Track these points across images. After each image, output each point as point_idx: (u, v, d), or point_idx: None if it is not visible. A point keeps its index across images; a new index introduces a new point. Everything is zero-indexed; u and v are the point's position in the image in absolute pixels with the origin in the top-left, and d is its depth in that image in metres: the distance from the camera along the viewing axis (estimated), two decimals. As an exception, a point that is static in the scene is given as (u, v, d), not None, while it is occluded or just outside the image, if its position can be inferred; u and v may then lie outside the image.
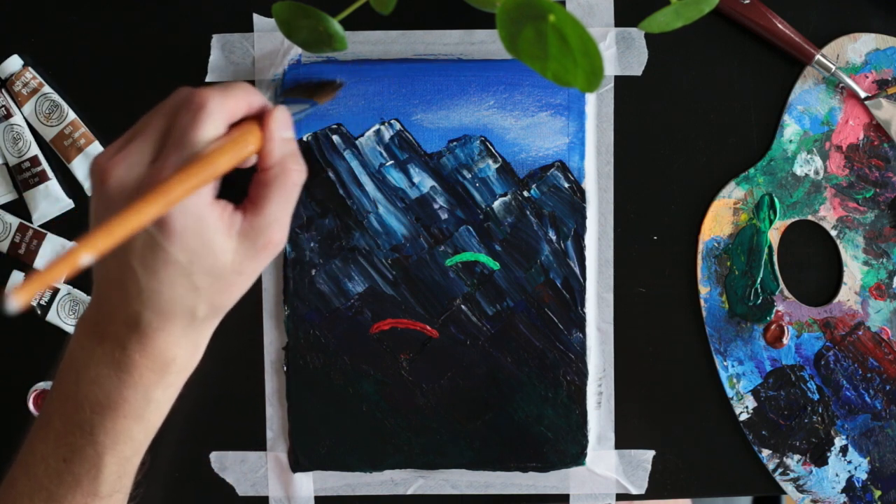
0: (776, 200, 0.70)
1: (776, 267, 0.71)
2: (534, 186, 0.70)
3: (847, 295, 0.71)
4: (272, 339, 0.72)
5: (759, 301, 0.71)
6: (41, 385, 0.71)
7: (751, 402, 0.71)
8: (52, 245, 0.71)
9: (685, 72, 0.70)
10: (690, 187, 0.71)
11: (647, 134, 0.71)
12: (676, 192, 0.71)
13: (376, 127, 0.70)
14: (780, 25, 0.68)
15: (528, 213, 0.70)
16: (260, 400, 0.72)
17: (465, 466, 0.72)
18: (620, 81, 0.71)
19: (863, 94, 0.69)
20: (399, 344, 0.71)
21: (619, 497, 0.72)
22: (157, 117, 0.51)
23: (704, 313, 0.71)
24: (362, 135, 0.70)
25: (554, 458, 0.71)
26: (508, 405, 0.71)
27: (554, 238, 0.70)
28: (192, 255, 0.49)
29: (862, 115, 0.70)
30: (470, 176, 0.70)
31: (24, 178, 0.71)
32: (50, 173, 0.71)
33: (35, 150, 0.71)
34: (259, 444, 0.72)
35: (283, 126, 0.53)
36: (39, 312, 0.72)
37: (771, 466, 0.72)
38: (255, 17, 0.70)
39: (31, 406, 0.71)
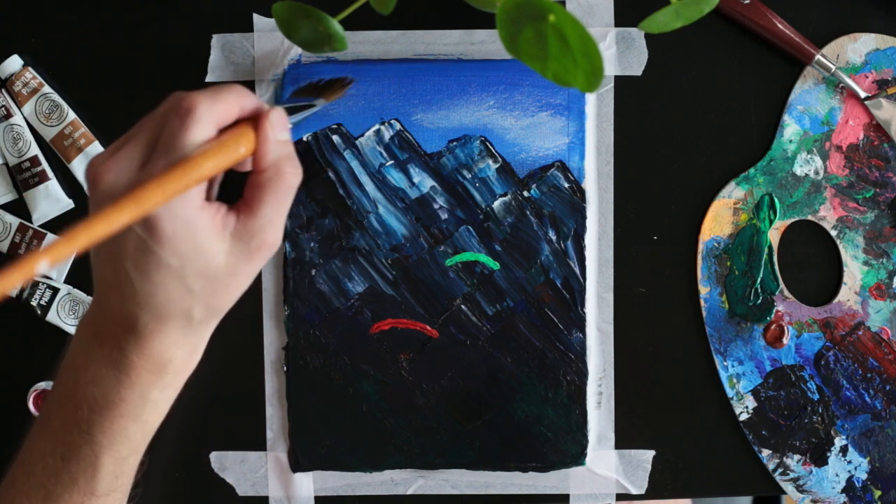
0: (776, 200, 0.70)
1: (776, 267, 0.71)
2: (534, 186, 0.70)
3: (847, 295, 0.71)
4: (272, 339, 0.72)
5: (759, 301, 0.71)
6: (41, 385, 0.71)
7: (751, 402, 0.71)
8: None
9: (685, 72, 0.70)
10: (690, 187, 0.71)
11: (647, 134, 0.71)
12: (676, 192, 0.71)
13: (376, 127, 0.70)
14: (780, 25, 0.68)
15: (528, 213, 0.70)
16: (260, 400, 0.72)
17: (465, 466, 0.72)
18: (620, 81, 0.71)
19: (863, 94, 0.69)
20: (399, 344, 0.71)
21: (619, 497, 0.72)
22: (148, 122, 0.51)
23: (704, 313, 0.71)
24: (362, 135, 0.70)
25: (554, 458, 0.71)
26: (508, 405, 0.71)
27: (554, 238, 0.70)
28: (183, 258, 0.49)
29: (862, 115, 0.70)
30: (470, 176, 0.70)
31: (24, 178, 0.71)
32: (50, 173, 0.71)
33: (35, 150, 0.71)
34: (259, 444, 0.72)
35: (278, 128, 0.52)
36: (39, 312, 0.72)
37: (771, 466, 0.72)
38: (255, 17, 0.70)
39: (31, 406, 0.71)
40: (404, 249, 0.70)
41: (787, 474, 0.72)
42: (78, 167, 0.71)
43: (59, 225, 0.72)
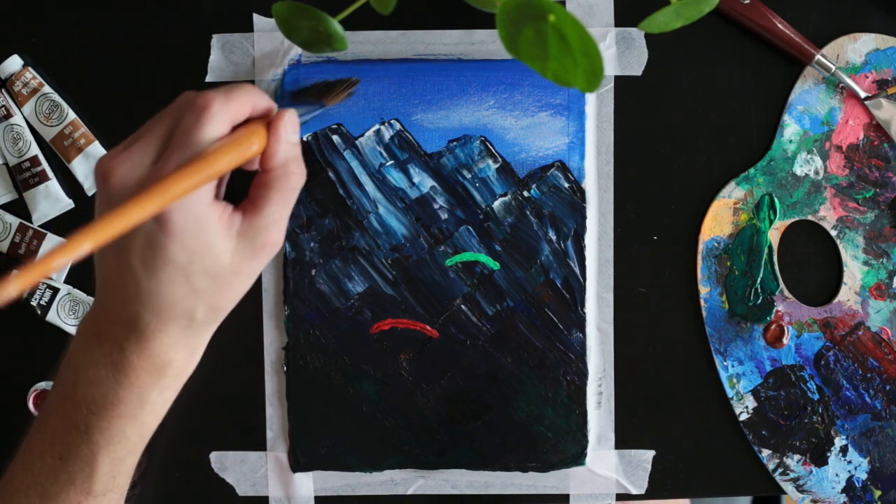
0: (776, 200, 0.70)
1: (776, 267, 0.71)
2: (534, 186, 0.70)
3: (847, 295, 0.71)
4: (272, 339, 0.72)
5: (759, 301, 0.71)
6: (41, 385, 0.71)
7: (751, 402, 0.71)
8: (52, 245, 0.71)
9: (685, 72, 0.70)
10: (690, 187, 0.71)
11: (647, 134, 0.71)
12: (676, 192, 0.71)
13: (376, 127, 0.70)
14: (780, 25, 0.68)
15: (528, 213, 0.70)
16: (260, 400, 0.72)
17: (465, 466, 0.72)
18: (620, 81, 0.71)
19: (863, 94, 0.69)
20: (399, 344, 0.71)
21: (619, 497, 0.72)
22: (161, 120, 0.52)
23: (704, 313, 0.71)
24: (362, 135, 0.70)
25: (554, 458, 0.71)
26: (508, 405, 0.71)
27: (554, 238, 0.70)
28: (191, 254, 0.50)
29: (862, 115, 0.70)
30: (470, 176, 0.70)
31: (24, 178, 0.71)
32: (50, 173, 0.71)
33: (35, 150, 0.71)
34: (259, 444, 0.72)
35: (291, 129, 0.53)
36: (39, 312, 0.72)
37: (771, 466, 0.72)
38: (255, 17, 0.70)
39: (31, 406, 0.71)
40: (404, 249, 0.70)
41: (787, 474, 0.72)
42: (78, 167, 0.71)
43: (60, 225, 0.72)
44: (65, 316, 0.72)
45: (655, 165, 0.71)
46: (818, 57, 0.68)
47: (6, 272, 0.72)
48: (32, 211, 0.71)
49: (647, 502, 0.73)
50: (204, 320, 0.53)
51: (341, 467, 0.72)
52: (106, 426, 0.53)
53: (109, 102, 0.71)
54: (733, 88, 0.70)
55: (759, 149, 0.71)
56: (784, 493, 0.72)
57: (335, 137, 0.70)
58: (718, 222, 0.71)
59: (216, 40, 0.71)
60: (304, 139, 0.70)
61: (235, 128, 0.52)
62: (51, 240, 0.71)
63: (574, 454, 0.71)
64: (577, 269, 0.70)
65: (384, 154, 0.70)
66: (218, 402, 0.72)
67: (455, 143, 0.70)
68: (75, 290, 0.72)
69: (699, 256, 0.71)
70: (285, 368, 0.71)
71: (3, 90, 0.71)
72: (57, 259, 0.44)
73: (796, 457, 0.71)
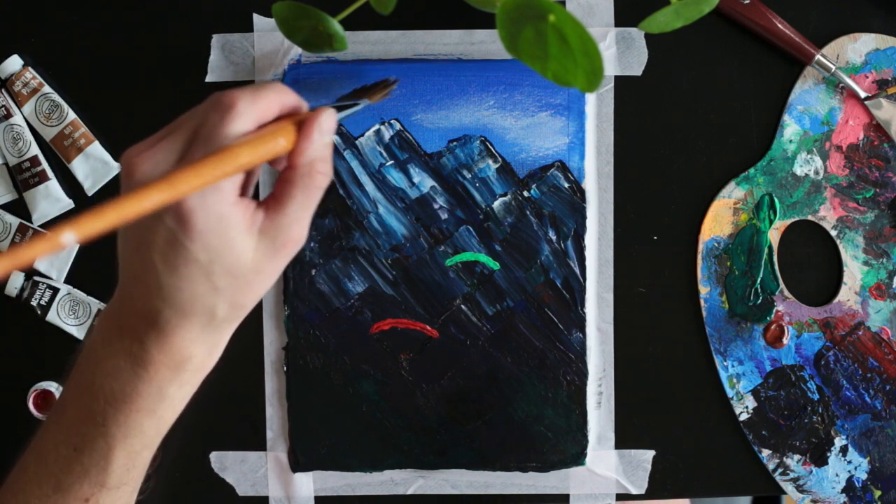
0: (776, 200, 0.70)
1: (776, 267, 0.71)
2: (534, 186, 0.70)
3: (847, 295, 0.71)
4: (272, 339, 0.72)
5: (759, 301, 0.71)
6: (41, 385, 0.71)
7: (751, 402, 0.71)
8: (52, 245, 0.71)
9: (685, 72, 0.70)
10: (690, 187, 0.71)
11: (647, 134, 0.71)
12: (676, 192, 0.71)
13: (376, 127, 0.70)
14: (780, 25, 0.68)
15: (528, 213, 0.70)
16: (260, 400, 0.72)
17: (465, 466, 0.72)
18: (620, 81, 0.71)
19: (863, 94, 0.69)
20: (399, 344, 0.71)
21: (619, 497, 0.72)
22: (188, 118, 0.52)
23: (704, 313, 0.71)
24: (362, 135, 0.70)
25: (554, 458, 0.71)
26: (508, 405, 0.71)
27: (554, 238, 0.70)
28: (212, 254, 0.50)
29: (862, 115, 0.70)
30: (470, 176, 0.70)
31: (24, 178, 0.71)
32: (50, 173, 0.71)
33: (35, 150, 0.71)
34: (259, 444, 0.72)
35: (326, 128, 0.53)
36: (39, 312, 0.72)
37: (771, 466, 0.72)
38: (255, 17, 0.70)
39: (31, 406, 0.71)
40: (404, 249, 0.70)
41: (787, 474, 0.72)
42: (78, 167, 0.71)
43: (60, 225, 0.72)
44: (65, 316, 0.72)
45: (655, 165, 0.71)
46: (818, 57, 0.68)
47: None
48: (32, 211, 0.71)
49: (647, 502, 0.73)
50: (225, 318, 0.53)
51: (341, 467, 0.72)
52: (123, 419, 0.53)
53: (109, 102, 0.71)
54: (733, 88, 0.70)
55: (759, 149, 0.71)
56: (784, 493, 0.72)
57: (335, 137, 0.70)
58: (718, 222, 0.71)
59: (216, 40, 0.71)
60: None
61: (263, 127, 0.52)
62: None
63: (574, 454, 0.71)
64: (577, 269, 0.70)
65: (384, 154, 0.70)
66: (218, 402, 0.72)
67: (455, 143, 0.70)
68: (75, 290, 0.72)
69: (699, 256, 0.71)
70: (285, 368, 0.71)
71: (3, 90, 0.71)
72: (66, 233, 0.43)
73: (796, 457, 0.71)
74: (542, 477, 0.72)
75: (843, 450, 0.71)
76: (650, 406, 0.72)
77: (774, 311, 0.71)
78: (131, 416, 0.53)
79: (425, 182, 0.70)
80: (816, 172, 0.70)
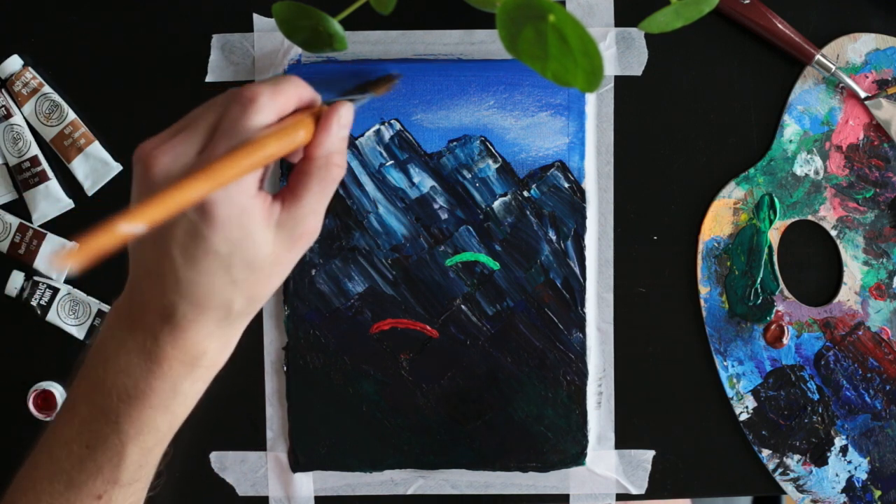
0: (776, 200, 0.70)
1: (776, 267, 0.71)
2: (534, 186, 0.70)
3: (847, 295, 0.71)
4: (272, 339, 0.72)
5: (759, 301, 0.71)
6: (41, 385, 0.71)
7: (751, 402, 0.71)
8: (52, 245, 0.71)
9: (685, 72, 0.70)
10: (690, 187, 0.71)
11: (647, 134, 0.71)
12: (676, 192, 0.71)
13: (376, 127, 0.70)
14: (780, 25, 0.68)
15: (528, 213, 0.70)
16: (260, 400, 0.72)
17: (465, 466, 0.72)
18: (620, 81, 0.71)
19: (863, 94, 0.69)
20: (399, 344, 0.71)
21: (619, 497, 0.72)
22: (206, 111, 0.52)
23: (704, 313, 0.71)
24: (362, 135, 0.70)
25: (554, 458, 0.71)
26: (508, 405, 0.71)
27: (554, 238, 0.70)
28: (233, 246, 0.50)
29: (862, 115, 0.70)
30: (470, 176, 0.70)
31: (24, 178, 0.71)
32: (50, 173, 0.71)
33: (35, 150, 0.71)
34: (259, 444, 0.72)
35: (344, 122, 0.53)
36: (39, 312, 0.72)
37: (771, 466, 0.72)
38: (255, 17, 0.70)
39: (31, 406, 0.71)
40: (404, 249, 0.70)
41: (787, 474, 0.72)
42: (78, 167, 0.71)
43: (60, 225, 0.72)
44: (65, 316, 0.72)
45: (655, 165, 0.71)
46: (818, 57, 0.68)
47: (6, 272, 0.72)
48: (32, 211, 0.71)
49: (647, 502, 0.73)
50: (241, 312, 0.53)
51: (341, 467, 0.72)
52: (137, 416, 0.53)
53: (109, 102, 0.71)
54: (733, 88, 0.70)
55: (759, 149, 0.71)
56: (784, 493, 0.72)
57: (335, 137, 0.70)
58: (718, 222, 0.71)
59: (216, 40, 0.71)
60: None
61: (282, 120, 0.52)
62: (51, 240, 0.71)
63: (574, 454, 0.71)
64: (577, 269, 0.70)
65: (384, 154, 0.70)
66: (218, 402, 0.72)
67: (455, 143, 0.70)
68: (75, 290, 0.72)
69: (699, 256, 0.71)
70: (285, 368, 0.71)
71: (3, 90, 0.71)
72: (123, 224, 0.44)
73: (796, 457, 0.71)
74: (542, 477, 0.72)
75: (843, 450, 0.71)
76: (650, 406, 0.72)
77: (774, 311, 0.71)
78: (145, 413, 0.53)
79: (425, 182, 0.70)
80: (816, 172, 0.70)
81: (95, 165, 0.71)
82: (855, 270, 0.71)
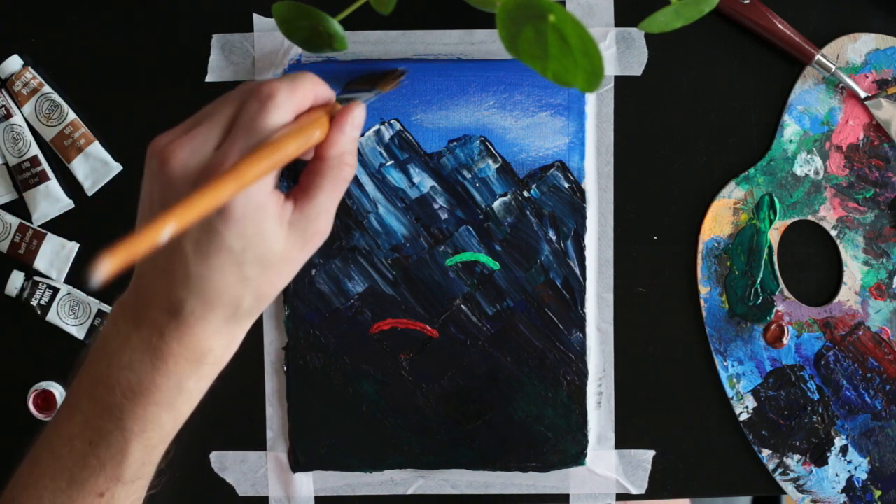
0: (776, 200, 0.70)
1: (776, 267, 0.71)
2: (534, 186, 0.70)
3: (847, 295, 0.71)
4: (272, 339, 0.72)
5: (759, 301, 0.71)
6: (41, 385, 0.71)
7: (751, 402, 0.71)
8: (52, 245, 0.71)
9: (685, 72, 0.70)
10: (690, 187, 0.71)
11: (647, 134, 0.71)
12: (676, 192, 0.71)
13: (376, 127, 0.70)
14: (780, 25, 0.68)
15: (528, 213, 0.70)
16: (260, 400, 0.72)
17: (465, 466, 0.72)
18: (620, 81, 0.71)
19: (863, 94, 0.69)
20: (399, 344, 0.71)
21: (619, 497, 0.72)
22: (223, 105, 0.51)
23: (704, 313, 0.71)
24: (362, 135, 0.70)
25: (554, 458, 0.71)
26: (508, 405, 0.71)
27: (554, 238, 0.70)
28: (246, 242, 0.50)
29: (862, 115, 0.70)
30: (470, 176, 0.70)
31: (24, 178, 0.71)
32: (50, 173, 0.71)
33: (35, 150, 0.71)
34: (259, 444, 0.72)
35: (357, 122, 0.53)
36: (39, 312, 0.72)
37: (771, 466, 0.72)
38: (255, 17, 0.70)
39: (31, 406, 0.71)
40: (404, 249, 0.70)
41: (787, 474, 0.72)
42: (78, 167, 0.71)
43: (60, 225, 0.72)
44: (65, 316, 0.72)
45: (655, 165, 0.71)
46: (818, 57, 0.68)
47: (6, 272, 0.72)
48: (32, 211, 0.71)
49: (647, 502, 0.73)
50: (249, 310, 0.52)
51: (341, 467, 0.72)
52: (141, 413, 0.53)
53: (109, 102, 0.71)
54: (733, 88, 0.70)
55: (759, 149, 0.71)
56: (784, 493, 0.72)
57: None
58: (718, 222, 0.71)
59: (216, 40, 0.71)
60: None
61: (297, 117, 0.52)
62: (51, 240, 0.71)
63: (574, 454, 0.71)
64: (577, 269, 0.70)
65: (384, 154, 0.70)
66: (218, 402, 0.72)
67: (455, 143, 0.70)
68: (75, 290, 0.72)
69: (699, 256, 0.71)
70: (285, 368, 0.71)
71: (3, 90, 0.71)
72: (166, 226, 0.44)
73: (796, 457, 0.71)
74: (542, 477, 0.72)
75: (843, 450, 0.71)
76: (650, 406, 0.72)
77: (774, 311, 0.71)
78: (149, 410, 0.53)
79: (425, 182, 0.70)
80: (816, 172, 0.70)
81: (95, 165, 0.71)
82: (855, 270, 0.71)
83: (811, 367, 0.71)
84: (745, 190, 0.71)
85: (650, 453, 0.72)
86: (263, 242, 0.50)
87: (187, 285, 0.50)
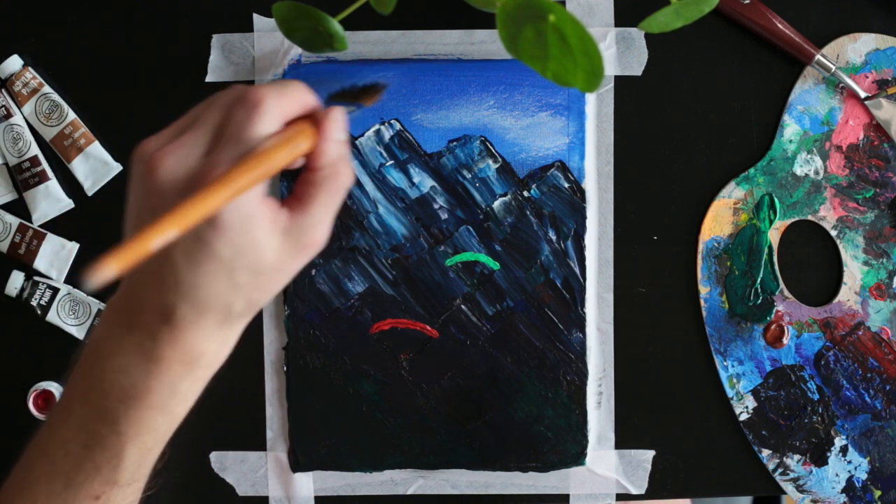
0: (776, 200, 0.70)
1: (776, 267, 0.71)
2: (534, 186, 0.70)
3: (847, 295, 0.71)
4: (272, 339, 0.72)
5: (759, 301, 0.71)
6: (41, 385, 0.71)
7: (751, 402, 0.71)
8: (52, 245, 0.71)
9: (685, 72, 0.70)
10: (690, 187, 0.71)
11: (647, 134, 0.71)
12: (676, 192, 0.71)
13: (376, 127, 0.70)
14: (780, 25, 0.68)
15: (528, 213, 0.70)
16: (260, 400, 0.72)
17: (465, 466, 0.72)
18: (620, 81, 0.71)
19: (863, 94, 0.69)
20: (399, 344, 0.71)
21: (619, 497, 0.72)
22: (210, 111, 0.51)
23: (704, 313, 0.71)
24: (362, 135, 0.70)
25: (554, 458, 0.71)
26: (508, 405, 0.71)
27: (554, 238, 0.70)
28: (237, 251, 0.49)
29: (862, 115, 0.70)
30: (470, 176, 0.70)
31: (24, 178, 0.71)
32: (50, 173, 0.71)
33: (35, 150, 0.71)
34: (259, 444, 0.72)
35: (339, 128, 0.53)
36: (39, 312, 0.72)
37: (771, 466, 0.72)
38: (255, 17, 0.70)
39: (31, 406, 0.71)
40: (404, 249, 0.70)
41: (787, 474, 0.72)
42: (78, 167, 0.71)
43: (60, 225, 0.72)
44: (65, 316, 0.72)
45: (655, 165, 0.71)
46: (818, 57, 0.68)
47: (6, 272, 0.72)
48: (32, 211, 0.71)
49: (647, 502, 0.73)
50: (240, 314, 0.52)
51: (341, 467, 0.72)
52: (135, 416, 0.53)
53: (109, 102, 0.71)
54: (733, 88, 0.70)
55: (759, 149, 0.71)
56: (784, 493, 0.72)
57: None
58: (718, 222, 0.71)
59: (216, 40, 0.71)
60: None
61: (286, 125, 0.52)
62: (51, 240, 0.71)
63: (574, 454, 0.71)
64: (577, 269, 0.70)
65: (384, 154, 0.70)
66: (218, 402, 0.72)
67: (455, 143, 0.70)
68: (75, 290, 0.72)
69: (699, 256, 0.71)
70: (285, 368, 0.71)
71: (3, 90, 0.71)
72: (155, 238, 0.44)
73: (796, 457, 0.71)
74: (542, 477, 0.72)
75: (843, 450, 0.71)
76: (650, 406, 0.72)
77: (774, 311, 0.71)
78: (143, 413, 0.53)
79: (425, 182, 0.70)
80: (816, 172, 0.70)
81: (95, 165, 0.71)
82: (855, 270, 0.71)
83: (811, 367, 0.71)
84: (745, 190, 0.71)
85: (650, 453, 0.72)
86: (254, 251, 0.50)
87: (178, 290, 0.50)
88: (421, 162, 0.70)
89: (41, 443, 0.55)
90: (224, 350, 0.54)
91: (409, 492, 0.72)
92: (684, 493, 0.73)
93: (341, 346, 0.71)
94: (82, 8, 0.71)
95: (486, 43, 0.70)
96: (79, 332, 0.72)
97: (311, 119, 0.53)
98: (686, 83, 0.71)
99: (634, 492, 0.72)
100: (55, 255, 0.71)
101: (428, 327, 0.71)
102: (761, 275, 0.71)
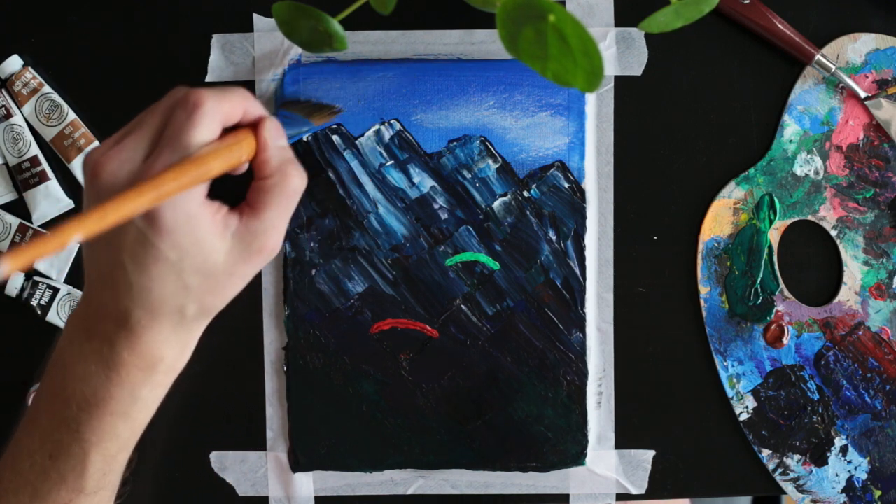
0: (776, 200, 0.70)
1: (776, 267, 0.71)
2: (534, 186, 0.70)
3: (847, 295, 0.71)
4: (272, 339, 0.72)
5: (759, 301, 0.71)
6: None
7: (751, 402, 0.71)
8: (52, 245, 0.71)
9: (685, 72, 0.70)
10: (690, 187, 0.71)
11: (647, 134, 0.71)
12: (676, 192, 0.71)
13: (376, 127, 0.70)
14: (780, 25, 0.69)
15: (528, 213, 0.70)
16: (260, 400, 0.72)
17: (465, 466, 0.72)
18: (620, 81, 0.71)
19: (863, 94, 0.69)
20: (399, 344, 0.71)
21: (619, 497, 0.72)
22: (152, 115, 0.52)
23: (704, 313, 0.71)
24: (362, 135, 0.70)
25: (554, 458, 0.71)
26: (508, 405, 0.71)
27: (554, 238, 0.70)
28: (182, 252, 0.50)
29: (862, 115, 0.70)
30: (470, 176, 0.70)
31: (24, 178, 0.71)
32: (50, 173, 0.71)
33: (35, 150, 0.71)
34: (259, 444, 0.72)
35: (275, 135, 0.53)
36: (39, 312, 0.72)
37: (771, 466, 0.72)
38: (255, 17, 0.70)
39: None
40: (404, 249, 0.70)
41: (787, 474, 0.72)
42: (78, 167, 0.71)
43: (60, 225, 0.72)
44: (65, 316, 0.72)
45: (655, 165, 0.71)
46: (818, 57, 0.68)
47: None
48: (32, 211, 0.71)
49: (647, 502, 0.73)
50: (195, 316, 0.53)
51: (341, 467, 0.72)
52: (97, 424, 0.53)
53: (109, 102, 0.71)
54: (733, 88, 0.70)
55: (759, 149, 0.71)
56: (784, 493, 0.72)
57: (335, 137, 0.70)
58: (718, 222, 0.71)
59: (216, 40, 0.71)
60: (305, 139, 0.70)
61: (226, 130, 0.52)
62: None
63: (574, 454, 0.71)
64: (577, 269, 0.70)
65: (384, 154, 0.70)
66: (218, 403, 0.72)
67: (455, 143, 0.70)
68: (75, 290, 0.72)
69: (699, 256, 0.71)
70: (285, 368, 0.71)
71: (3, 90, 0.71)
72: (49, 246, 0.44)
73: (796, 457, 0.71)
74: (542, 477, 0.72)
75: (843, 450, 0.71)
76: (650, 406, 0.72)
77: (774, 311, 0.71)
78: (105, 420, 0.53)
79: (425, 182, 0.70)
80: (816, 172, 0.70)
81: (95, 165, 0.71)
82: (855, 270, 0.71)
83: (811, 367, 0.71)
84: (745, 190, 0.71)
85: (650, 453, 0.72)
86: (200, 252, 0.50)
87: (131, 295, 0.50)
88: (421, 162, 0.70)
89: (9, 455, 0.55)
90: (183, 355, 0.55)
91: (409, 492, 0.72)
92: (684, 493, 0.73)
93: (341, 346, 0.71)
94: (82, 8, 0.71)
95: (486, 43, 0.70)
96: (79, 332, 0.72)
97: (251, 129, 0.53)
98: (686, 83, 0.71)
99: (634, 492, 0.72)
100: (55, 255, 0.71)
101: (428, 327, 0.71)
102: (761, 275, 0.71)
